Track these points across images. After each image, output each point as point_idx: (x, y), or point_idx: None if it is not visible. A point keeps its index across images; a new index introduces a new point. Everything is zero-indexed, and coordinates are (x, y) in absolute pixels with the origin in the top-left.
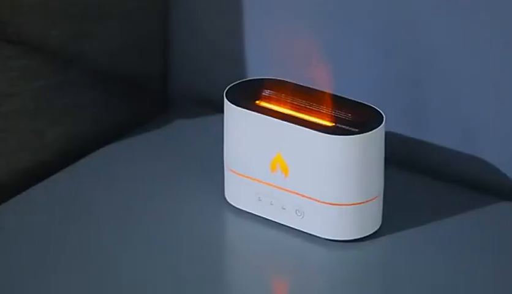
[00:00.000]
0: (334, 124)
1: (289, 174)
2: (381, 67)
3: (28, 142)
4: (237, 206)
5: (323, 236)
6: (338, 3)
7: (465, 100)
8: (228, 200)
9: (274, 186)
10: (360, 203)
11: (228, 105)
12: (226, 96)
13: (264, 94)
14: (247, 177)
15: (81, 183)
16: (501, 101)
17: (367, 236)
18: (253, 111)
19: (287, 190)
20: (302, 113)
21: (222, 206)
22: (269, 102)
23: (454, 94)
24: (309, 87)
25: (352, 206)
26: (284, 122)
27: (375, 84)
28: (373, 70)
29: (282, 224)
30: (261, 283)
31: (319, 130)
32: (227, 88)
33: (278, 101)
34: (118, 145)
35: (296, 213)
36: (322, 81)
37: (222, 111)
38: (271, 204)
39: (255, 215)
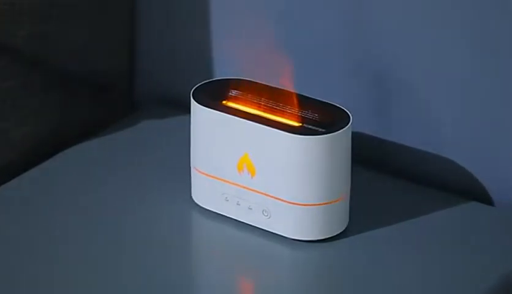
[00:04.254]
0: (300, 124)
1: (256, 174)
2: (349, 67)
3: None
4: (204, 206)
5: (289, 236)
6: (308, 6)
7: (431, 102)
8: (195, 200)
9: (241, 186)
10: (327, 203)
11: (194, 105)
12: (192, 96)
13: (230, 94)
14: (214, 177)
15: (47, 184)
16: (467, 103)
17: (333, 236)
18: (220, 111)
19: (254, 191)
20: (269, 113)
21: (188, 206)
22: (235, 102)
23: (421, 94)
24: (276, 87)
25: (319, 206)
26: (251, 122)
27: (343, 85)
28: (341, 71)
29: (249, 224)
30: (227, 283)
31: (286, 130)
32: (194, 88)
33: (245, 102)
34: (84, 146)
35: (263, 213)
36: (289, 81)
37: (189, 112)
38: (238, 204)
39: (221, 215)
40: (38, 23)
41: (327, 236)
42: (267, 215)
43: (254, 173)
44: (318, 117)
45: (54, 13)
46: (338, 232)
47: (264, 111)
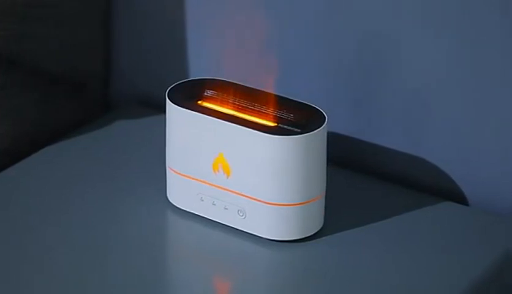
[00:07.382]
0: (276, 124)
1: (232, 174)
2: (327, 67)
3: None
4: (180, 206)
5: (265, 236)
6: (284, 3)
7: (408, 103)
8: (171, 200)
9: (216, 186)
10: (302, 203)
11: (169, 105)
12: (168, 96)
13: (206, 94)
14: (189, 177)
15: (23, 184)
16: (443, 104)
17: (309, 236)
18: (195, 111)
19: (229, 191)
20: (245, 113)
21: (164, 206)
22: (211, 102)
23: (397, 95)
24: (251, 88)
25: (294, 206)
26: (226, 122)
27: (320, 85)
28: (318, 71)
29: (224, 224)
30: (203, 284)
31: (261, 131)
32: (169, 88)
33: (220, 102)
34: (60, 146)
35: (238, 213)
36: (265, 81)
37: (165, 112)
38: (213, 204)
39: (197, 215)
40: (12, 23)
41: (303, 236)
42: (242, 215)
43: (229, 173)
44: (293, 117)
45: (31, 14)
46: (313, 232)
47: (239, 111)
